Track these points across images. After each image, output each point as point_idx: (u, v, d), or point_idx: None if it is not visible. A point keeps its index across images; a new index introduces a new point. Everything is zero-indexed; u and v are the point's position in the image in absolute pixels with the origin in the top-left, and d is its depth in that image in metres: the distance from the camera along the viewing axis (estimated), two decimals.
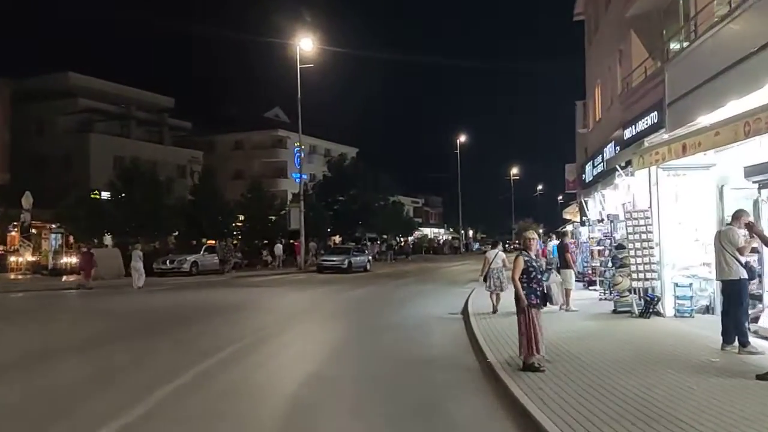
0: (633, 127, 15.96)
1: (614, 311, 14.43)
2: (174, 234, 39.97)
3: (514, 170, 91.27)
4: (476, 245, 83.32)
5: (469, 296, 21.05)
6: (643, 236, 13.49)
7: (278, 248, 41.14)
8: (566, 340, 10.98)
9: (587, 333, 11.96)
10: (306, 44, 37.17)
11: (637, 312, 13.47)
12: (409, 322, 15.00)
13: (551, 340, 10.12)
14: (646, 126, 14.86)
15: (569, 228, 44.78)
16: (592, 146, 24.87)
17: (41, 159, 50.49)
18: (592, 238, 20.49)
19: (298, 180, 60.45)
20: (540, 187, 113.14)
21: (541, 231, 44.02)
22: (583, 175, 25.51)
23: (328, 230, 52.27)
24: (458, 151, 71.22)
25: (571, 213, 33.56)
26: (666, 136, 13.49)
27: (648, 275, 13.42)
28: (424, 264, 48.47)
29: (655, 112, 14.33)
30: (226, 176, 63.83)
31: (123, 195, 33.64)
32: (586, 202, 25.69)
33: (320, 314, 17.63)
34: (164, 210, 33.54)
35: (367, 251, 40.14)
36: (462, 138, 72.11)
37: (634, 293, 14.02)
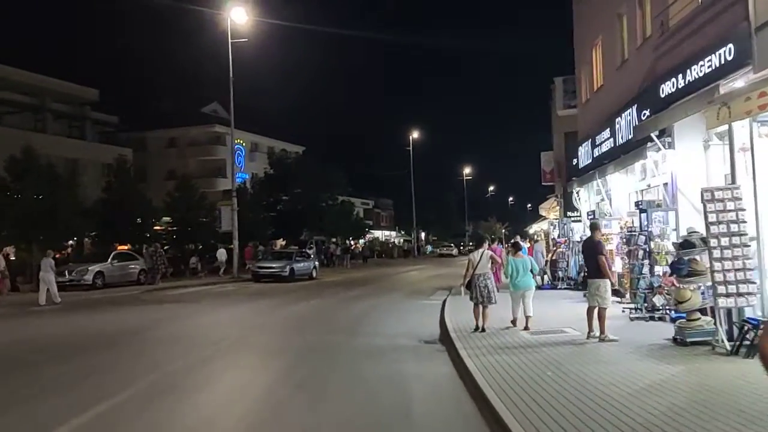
0: (680, 76, 11.18)
1: (677, 341, 9.54)
2: (91, 237, 33.86)
3: (467, 170, 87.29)
4: (429, 248, 78.68)
5: (442, 311, 16.15)
6: (733, 228, 8.61)
7: (222, 254, 35.38)
8: (629, 409, 6.05)
9: (658, 389, 7.00)
10: (238, 15, 31.63)
11: (727, 346, 8.56)
12: (368, 367, 9.71)
13: (596, 400, 5.12)
14: (710, 68, 10.07)
15: (540, 227, 40.36)
16: (586, 125, 20.21)
17: None
18: (605, 235, 15.71)
19: (240, 180, 54.93)
20: (492, 187, 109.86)
21: (503, 231, 39.36)
22: (575, 161, 20.77)
23: (270, 233, 46.56)
24: (411, 148, 66.46)
25: (547, 209, 28.96)
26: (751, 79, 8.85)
27: (742, 288, 8.54)
28: (377, 270, 43.29)
29: (730, 46, 9.57)
30: (160, 176, 57.58)
31: (10, 192, 27.39)
32: (578, 193, 20.95)
33: (237, 350, 12.20)
34: (66, 209, 27.33)
35: (313, 256, 34.72)
36: (415, 134, 67.42)
37: (712, 315, 9.16)
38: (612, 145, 15.82)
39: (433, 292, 24.11)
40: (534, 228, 41.67)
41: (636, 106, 13.76)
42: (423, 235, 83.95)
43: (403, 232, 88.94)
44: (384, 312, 17.71)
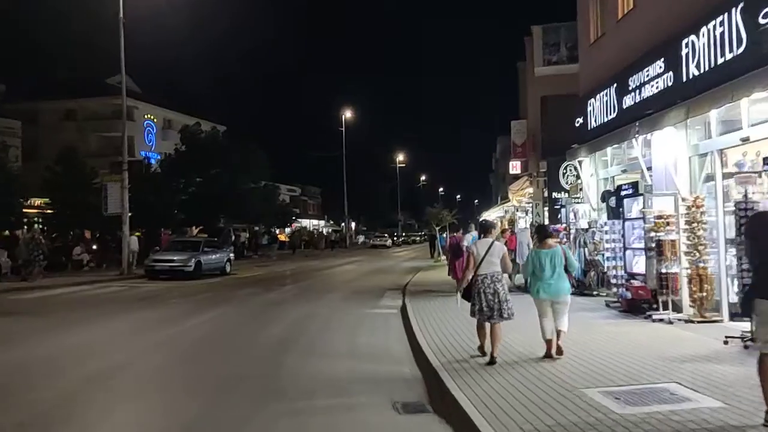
0: None
1: None
2: None
3: (401, 157, 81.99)
4: (361, 238, 72.78)
5: (408, 326, 10.53)
6: None
7: (134, 242, 28.27)
8: None
9: None
10: None
11: None
12: None
13: None
14: None
15: (497, 214, 35.19)
16: (598, 71, 14.62)
17: None
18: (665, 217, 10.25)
19: (152, 161, 47.30)
20: (423, 177, 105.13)
21: (451, 215, 33.96)
22: (579, 121, 15.26)
23: (180, 219, 39.45)
24: (344, 129, 60.21)
25: (517, 191, 23.57)
26: None
27: None
28: (305, 263, 37.03)
29: None
30: (55, 153, 49.17)
31: None
32: (579, 164, 15.49)
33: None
34: None
35: (227, 247, 28.17)
36: (348, 114, 61.24)
37: None
38: (671, 83, 10.32)
39: (382, 294, 18.34)
40: (491, 215, 36.46)
41: (743, 4, 8.24)
42: (353, 224, 78.03)
43: (331, 222, 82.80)
44: (321, 331, 11.73)
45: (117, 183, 24.31)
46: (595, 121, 13.89)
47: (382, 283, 22.74)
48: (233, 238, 35.77)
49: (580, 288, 14.01)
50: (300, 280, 24.14)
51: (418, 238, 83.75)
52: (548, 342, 8.12)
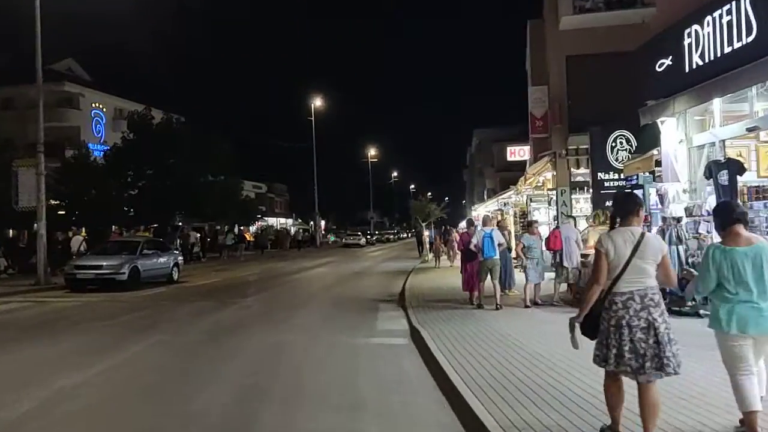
0: None
1: None
2: None
3: (372, 151, 77.24)
4: (332, 237, 67.66)
5: (445, 380, 5.61)
6: None
7: (76, 243, 23.14)
8: None
9: None
10: None
11: None
12: None
13: None
14: None
15: (490, 208, 30.68)
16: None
17: None
18: None
19: (99, 153, 41.60)
20: (395, 174, 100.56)
21: (438, 209, 29.38)
22: (666, 63, 10.60)
23: (128, 217, 34.07)
24: (312, 118, 55.06)
25: (534, 174, 18.90)
26: None
27: None
28: (271, 265, 31.91)
29: None
30: None
31: None
32: (661, 124, 10.93)
33: None
34: None
35: (174, 247, 22.96)
36: (318, 102, 56.04)
37: None
38: None
39: (375, 308, 13.66)
40: (485, 209, 31.88)
41: None
42: (323, 223, 72.95)
43: (300, 220, 77.56)
44: (294, 391, 6.86)
45: (31, 169, 18.97)
46: (703, 57, 9.26)
47: (368, 290, 17.96)
48: (179, 237, 30.37)
49: (674, 303, 9.43)
50: (265, 288, 19.15)
51: (391, 236, 79.14)
52: (750, 417, 4.44)
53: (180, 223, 37.97)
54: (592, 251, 12.50)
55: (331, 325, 11.50)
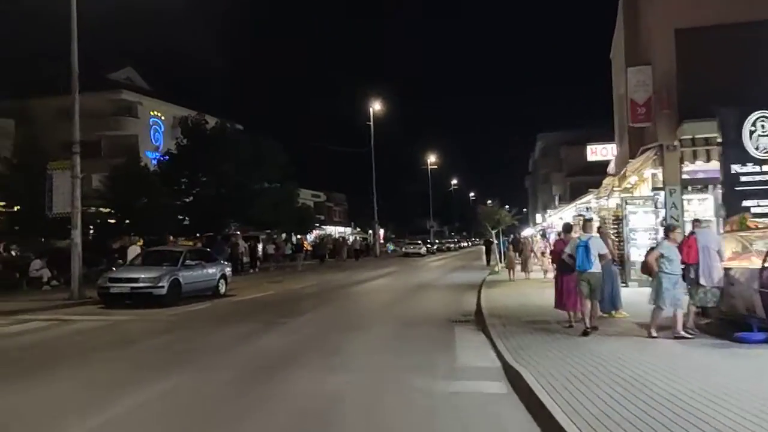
0: None
1: None
2: None
3: (432, 158, 74.58)
4: (391, 246, 65.11)
5: None
6: None
7: (133, 250, 21.54)
8: None
9: None
10: None
11: None
12: None
13: None
14: None
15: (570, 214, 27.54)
16: None
17: None
18: None
19: (155, 161, 40.57)
20: (455, 181, 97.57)
21: (510, 216, 26.51)
22: None
23: (182, 225, 32.58)
24: (371, 123, 52.79)
25: (633, 170, 15.85)
26: None
27: None
28: (329, 276, 29.61)
29: None
30: (51, 154, 42.73)
31: None
32: None
33: None
34: None
35: (223, 256, 20.92)
36: (377, 106, 53.78)
37: None
38: None
39: (449, 332, 11.08)
40: (559, 216, 28.77)
41: None
42: (382, 231, 70.62)
43: (358, 229, 75.41)
44: None
45: (66, 172, 17.22)
46: None
47: (437, 307, 15.35)
48: (228, 247, 28.34)
49: None
50: (320, 304, 16.76)
51: (452, 245, 76.12)
52: None
53: (233, 231, 36.25)
54: (734, 264, 9.58)
55: (397, 358, 8.94)
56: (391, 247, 65.97)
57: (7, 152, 31.57)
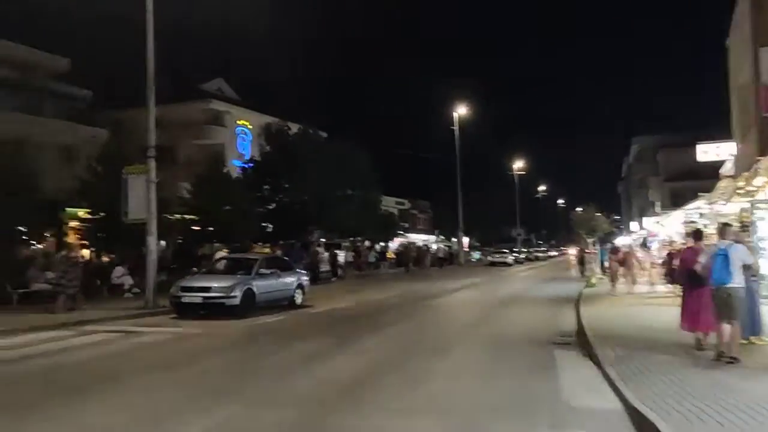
0: None
1: None
2: None
3: (519, 164, 71.79)
4: (476, 255, 62.88)
5: None
6: None
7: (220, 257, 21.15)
8: None
9: None
10: None
11: None
12: None
13: None
14: None
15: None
16: None
17: None
18: None
19: (240, 170, 40.50)
20: (543, 187, 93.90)
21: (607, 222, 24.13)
22: None
23: (265, 232, 32.16)
24: (456, 128, 50.97)
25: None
26: None
27: None
28: (411, 285, 28.14)
29: None
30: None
31: None
32: None
33: None
34: None
35: (303, 264, 19.92)
36: (462, 110, 51.96)
37: None
38: None
39: (548, 358, 9.29)
40: (661, 224, 26.03)
41: None
42: (466, 239, 68.46)
43: (442, 237, 73.49)
44: None
45: (141, 175, 16.71)
46: None
47: (529, 325, 13.60)
48: (307, 255, 27.40)
49: None
50: (400, 318, 15.32)
51: (540, 254, 72.92)
52: None
53: (315, 239, 35.49)
54: None
55: (488, 395, 7.33)
56: (476, 255, 63.76)
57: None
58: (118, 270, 21.96)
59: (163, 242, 32.13)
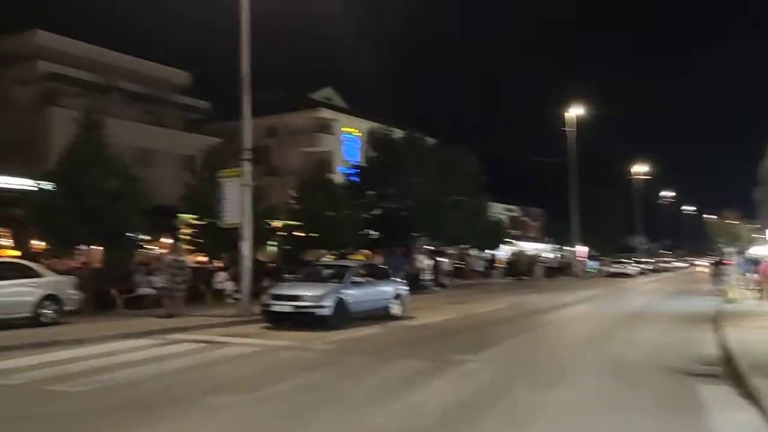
0: None
1: None
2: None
3: (639, 168, 66.79)
4: (594, 265, 58.79)
5: None
6: None
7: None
8: None
9: None
10: None
11: None
12: None
13: None
14: None
15: None
16: None
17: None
18: None
19: (351, 178, 40.04)
20: (668, 193, 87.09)
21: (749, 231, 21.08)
22: None
23: (368, 240, 31.29)
24: (573, 129, 47.84)
25: None
26: None
27: None
28: (521, 297, 26.09)
29: None
30: (257, 171, 44.67)
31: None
32: None
33: None
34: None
35: (400, 275, 18.65)
36: (576, 111, 48.82)
37: None
38: None
39: (692, 397, 7.30)
40: None
41: None
42: (582, 248, 64.39)
43: (556, 245, 69.67)
44: None
45: (235, 178, 16.12)
46: None
47: (658, 346, 11.58)
48: (406, 263, 26.09)
49: None
50: (506, 336, 13.61)
51: (665, 265, 67.37)
52: None
53: (419, 246, 34.11)
54: None
55: None
56: (593, 265, 59.70)
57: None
58: (220, 275, 21.79)
59: (273, 247, 32.34)
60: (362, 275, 15.27)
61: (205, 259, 25.02)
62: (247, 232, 15.81)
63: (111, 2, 72.67)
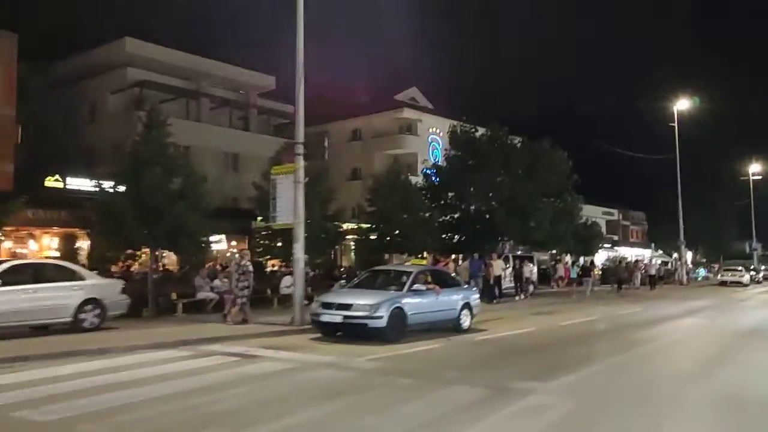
0: None
1: None
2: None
3: (756, 167, 60.53)
4: (703, 272, 53.57)
5: None
6: None
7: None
8: None
9: None
10: None
11: None
12: None
13: None
14: None
15: None
16: None
17: (91, 150, 34.89)
18: None
19: (434, 178, 38.35)
20: None
21: None
22: None
23: (447, 244, 29.43)
24: (675, 125, 43.61)
25: None
26: None
27: None
28: (617, 309, 23.24)
29: None
30: (342, 175, 44.02)
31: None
32: None
33: None
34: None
35: (476, 282, 16.64)
36: (683, 104, 44.44)
37: None
38: None
39: None
40: None
41: None
42: (689, 254, 59.01)
43: (660, 251, 64.38)
44: None
45: (289, 176, 14.75)
46: None
47: None
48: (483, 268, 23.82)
49: None
50: (593, 355, 11.35)
51: None
52: None
53: (503, 250, 31.65)
54: None
55: None
56: (701, 273, 54.42)
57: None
58: (287, 280, 20.60)
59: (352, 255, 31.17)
60: (426, 282, 13.44)
61: (279, 263, 24.18)
62: (300, 234, 14.39)
63: (188, 10, 74.37)
